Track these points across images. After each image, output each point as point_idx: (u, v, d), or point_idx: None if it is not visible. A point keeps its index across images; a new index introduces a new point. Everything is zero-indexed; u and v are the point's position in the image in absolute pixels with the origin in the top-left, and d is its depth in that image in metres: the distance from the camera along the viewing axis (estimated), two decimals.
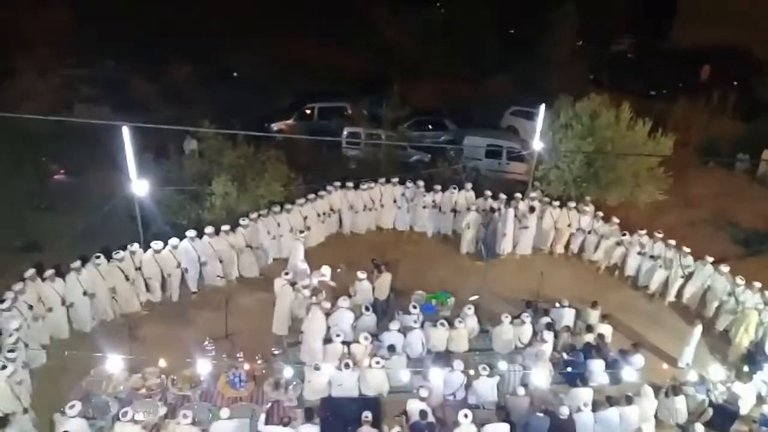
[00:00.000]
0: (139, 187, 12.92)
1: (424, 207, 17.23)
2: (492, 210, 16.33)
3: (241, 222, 14.59)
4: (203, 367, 10.86)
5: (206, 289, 14.35)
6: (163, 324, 13.22)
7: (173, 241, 13.65)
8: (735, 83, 25.81)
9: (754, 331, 13.36)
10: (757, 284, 13.98)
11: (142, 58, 24.06)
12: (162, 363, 11.16)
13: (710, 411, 11.78)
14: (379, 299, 13.81)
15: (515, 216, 16.58)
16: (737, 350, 13.46)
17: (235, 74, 26.87)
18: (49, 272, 12.29)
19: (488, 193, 16.99)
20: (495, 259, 16.21)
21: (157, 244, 13.47)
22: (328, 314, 12.66)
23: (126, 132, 12.23)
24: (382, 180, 17.32)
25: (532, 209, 16.60)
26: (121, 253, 13.07)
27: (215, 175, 14.87)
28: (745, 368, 12.73)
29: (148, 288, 13.67)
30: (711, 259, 14.80)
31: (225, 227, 14.30)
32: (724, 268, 14.53)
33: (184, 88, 24.28)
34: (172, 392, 11.21)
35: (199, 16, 28.69)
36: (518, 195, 16.90)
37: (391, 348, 12.02)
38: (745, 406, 12.01)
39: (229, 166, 15.23)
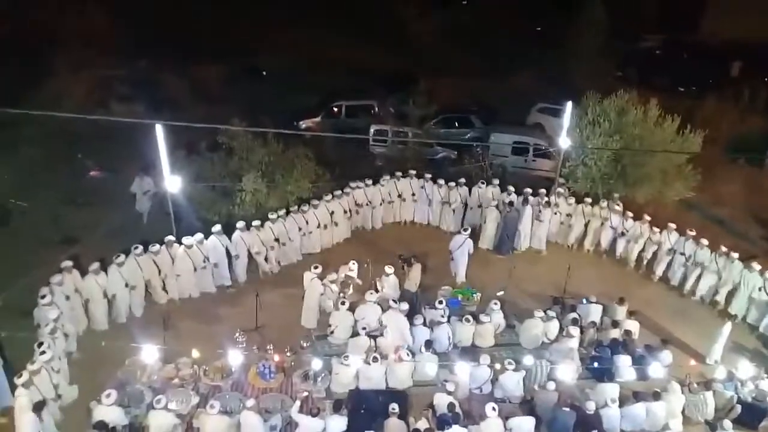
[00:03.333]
0: (172, 183, 13.22)
1: (449, 204, 17.33)
2: (511, 204, 16.42)
3: (270, 216, 14.87)
4: (234, 358, 11.13)
5: (236, 284, 14.63)
6: (194, 317, 13.52)
7: (198, 236, 13.92)
8: (766, 79, 25.40)
9: None
10: None
11: (174, 58, 24.49)
12: (195, 354, 11.47)
13: (738, 408, 11.74)
14: (411, 291, 13.98)
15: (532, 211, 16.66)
16: None
17: (264, 72, 27.16)
18: (94, 266, 12.66)
19: (511, 188, 17.03)
20: (511, 254, 16.32)
21: (187, 240, 13.79)
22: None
23: (159, 130, 12.55)
24: (399, 174, 17.54)
25: (548, 204, 16.61)
26: (157, 246, 13.42)
27: (245, 172, 15.14)
28: None
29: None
30: (736, 255, 14.70)
31: (256, 222, 14.58)
32: (756, 266, 14.43)
33: (215, 86, 24.68)
34: (204, 382, 11.51)
35: (229, 15, 29.11)
36: (542, 191, 16.92)
37: (428, 344, 12.16)
38: None
39: (258, 164, 15.49)
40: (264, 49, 27.79)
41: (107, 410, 9.91)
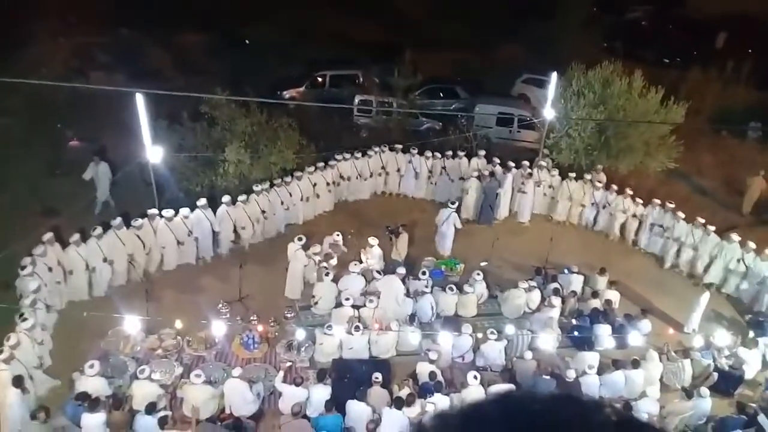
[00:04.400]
0: (154, 153, 13.08)
1: (432, 175, 17.35)
2: (492, 174, 16.46)
3: (254, 188, 14.77)
4: (218, 328, 11.17)
5: (220, 256, 14.58)
6: (177, 289, 13.50)
7: (184, 210, 13.81)
8: (750, 51, 25.38)
9: None
10: None
11: (155, 26, 24.02)
12: (178, 324, 11.50)
13: (715, 375, 11.98)
14: (399, 260, 14.09)
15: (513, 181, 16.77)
16: None
17: (247, 41, 26.75)
18: (75, 237, 12.55)
19: (496, 160, 17.05)
20: (492, 224, 16.43)
21: (168, 212, 13.66)
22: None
23: (140, 99, 12.38)
24: (385, 147, 17.47)
25: (530, 175, 16.64)
26: (140, 221, 13.28)
27: (228, 142, 15.00)
28: (751, 334, 12.92)
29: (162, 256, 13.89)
30: (713, 229, 14.88)
31: (242, 197, 14.45)
32: (735, 237, 14.60)
33: (197, 55, 24.28)
34: (188, 353, 11.55)
35: None
36: (525, 162, 16.95)
37: (412, 318, 12.26)
38: (750, 371, 12.20)
39: (241, 134, 15.34)
40: (247, 18, 27.29)
41: (90, 381, 9.94)
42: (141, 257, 13.45)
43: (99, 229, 12.77)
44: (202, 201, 14.09)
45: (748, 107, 22.49)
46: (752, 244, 14.41)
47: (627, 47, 26.63)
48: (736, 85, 23.05)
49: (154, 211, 13.50)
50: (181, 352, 11.54)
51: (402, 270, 13.19)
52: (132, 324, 10.98)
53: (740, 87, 23.19)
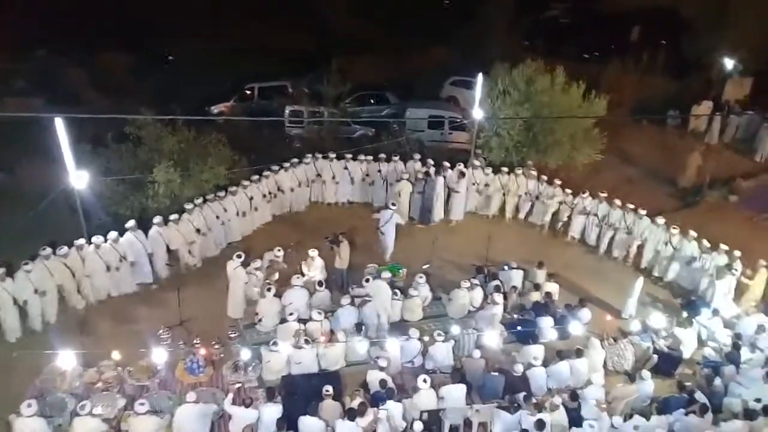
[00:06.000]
0: (78, 178, 12.58)
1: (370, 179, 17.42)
2: (427, 174, 16.67)
3: (186, 207, 14.41)
4: (159, 356, 10.78)
5: (158, 280, 14.15)
6: (114, 319, 13.03)
7: (112, 234, 13.35)
8: (664, 42, 26.53)
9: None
10: (693, 233, 14.69)
11: (72, 47, 23.21)
12: (116, 355, 11.06)
13: (655, 358, 12.38)
14: (341, 269, 14.10)
15: (445, 182, 16.96)
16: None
17: (170, 58, 26.18)
18: None
19: (430, 162, 17.21)
20: (428, 225, 16.70)
21: (97, 239, 13.16)
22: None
23: (60, 123, 11.89)
24: (318, 155, 17.41)
25: (462, 174, 16.87)
26: (65, 249, 12.76)
27: (156, 163, 14.59)
28: (685, 314, 13.43)
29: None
30: (644, 212, 15.43)
31: (173, 216, 14.10)
32: (660, 220, 15.15)
33: (119, 75, 23.57)
34: (130, 383, 11.14)
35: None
36: (460, 164, 17.15)
37: (359, 327, 12.18)
38: (687, 351, 12.67)
39: (170, 153, 14.97)
40: (168, 34, 26.69)
41: (28, 422, 9.47)
42: (71, 287, 12.90)
43: (30, 264, 12.16)
44: (131, 223, 13.65)
45: (666, 96, 23.56)
46: (674, 229, 14.92)
47: (548, 45, 27.46)
48: (652, 75, 24.03)
49: (82, 240, 12.97)
50: (122, 383, 11.11)
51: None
52: (67, 359, 10.48)
53: (657, 77, 24.20)
